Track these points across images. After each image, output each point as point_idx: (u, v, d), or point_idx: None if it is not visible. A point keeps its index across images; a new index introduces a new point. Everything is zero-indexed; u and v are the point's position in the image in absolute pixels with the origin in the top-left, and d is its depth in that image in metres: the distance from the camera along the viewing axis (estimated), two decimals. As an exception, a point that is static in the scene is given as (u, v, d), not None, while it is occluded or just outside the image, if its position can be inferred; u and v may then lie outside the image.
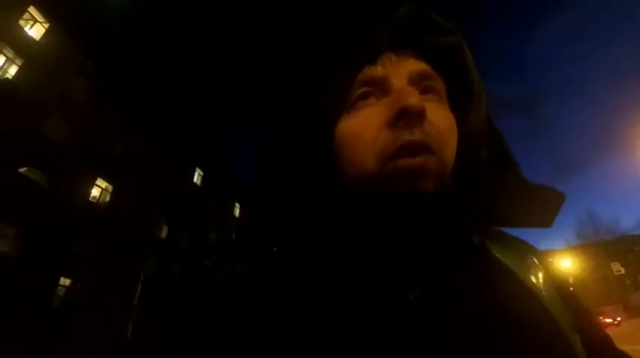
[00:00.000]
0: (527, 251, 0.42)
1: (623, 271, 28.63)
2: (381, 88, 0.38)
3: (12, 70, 12.03)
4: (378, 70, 0.38)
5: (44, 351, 10.81)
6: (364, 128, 0.36)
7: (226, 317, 0.37)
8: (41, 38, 13.12)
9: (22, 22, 12.57)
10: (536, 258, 0.41)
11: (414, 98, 0.34)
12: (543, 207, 0.40)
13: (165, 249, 18.24)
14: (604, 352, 0.38)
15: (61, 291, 12.50)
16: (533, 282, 0.37)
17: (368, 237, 0.35)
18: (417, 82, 0.38)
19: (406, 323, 0.31)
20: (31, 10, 12.90)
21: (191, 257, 20.01)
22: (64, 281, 12.68)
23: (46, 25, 13.31)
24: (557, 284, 0.40)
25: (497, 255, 0.39)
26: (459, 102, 0.41)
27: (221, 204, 24.21)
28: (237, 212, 26.96)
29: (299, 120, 0.41)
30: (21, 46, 12.22)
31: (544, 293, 0.36)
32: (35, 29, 13.14)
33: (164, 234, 18.67)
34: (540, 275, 0.39)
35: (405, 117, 0.34)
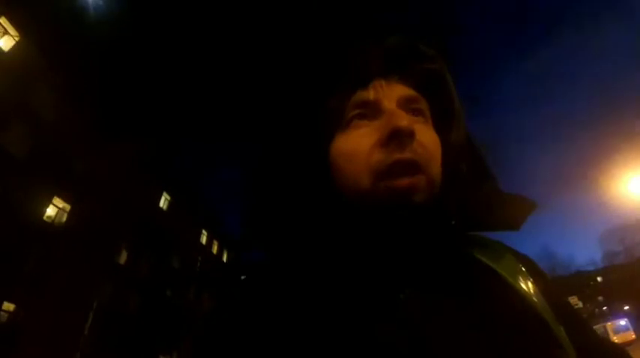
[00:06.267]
0: (505, 251, 0.45)
1: (580, 305, 29.72)
2: (372, 110, 0.41)
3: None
4: (370, 94, 0.41)
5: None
6: (358, 147, 0.40)
7: (233, 326, 0.38)
8: (10, 49, 12.73)
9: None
10: (515, 258, 0.45)
11: (404, 120, 0.38)
12: (514, 213, 0.43)
13: (124, 276, 17.11)
14: (588, 340, 0.40)
15: (3, 317, 11.32)
16: (513, 279, 0.40)
17: (363, 243, 0.38)
18: (406, 105, 0.42)
19: (397, 317, 0.33)
20: (2, 20, 12.58)
21: (151, 285, 18.83)
22: (8, 306, 11.51)
23: (17, 37, 12.97)
24: (537, 281, 0.42)
25: (479, 257, 0.42)
26: (442, 123, 0.46)
27: (187, 231, 23.30)
28: (204, 240, 26.00)
29: (296, 138, 0.44)
30: (-13, 55, 11.76)
31: (524, 287, 0.39)
32: (4, 40, 12.76)
33: (123, 260, 17.58)
34: (520, 273, 0.42)
35: (397, 138, 0.38)
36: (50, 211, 13.79)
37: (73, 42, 15.16)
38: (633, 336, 19.09)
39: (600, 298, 47.68)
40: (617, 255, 46.63)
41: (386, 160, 0.38)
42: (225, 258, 28.44)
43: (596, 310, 46.89)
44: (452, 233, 0.40)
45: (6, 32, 12.76)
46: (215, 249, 27.55)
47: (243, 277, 0.46)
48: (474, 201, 0.42)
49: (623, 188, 15.13)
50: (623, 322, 20.77)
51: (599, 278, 48.39)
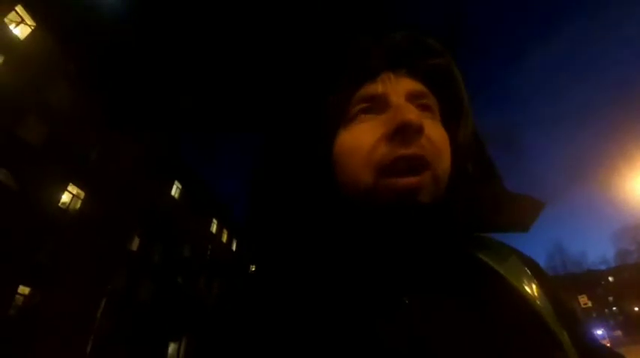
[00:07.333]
0: (510, 253, 0.44)
1: (590, 304, 29.36)
2: (379, 103, 0.40)
3: (-9, 67, 11.70)
4: (378, 87, 0.40)
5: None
6: (362, 141, 0.38)
7: (236, 326, 0.38)
8: (26, 38, 12.92)
9: (7, 21, 12.38)
10: (520, 260, 0.44)
11: (413, 114, 0.37)
12: (523, 213, 0.41)
13: (136, 262, 17.48)
14: (590, 347, 0.40)
15: (19, 300, 11.70)
16: (517, 282, 0.39)
17: (366, 245, 0.37)
18: (414, 99, 0.41)
19: (398, 317, 0.33)
20: (19, 9, 12.76)
21: (163, 272, 19.21)
22: (23, 290, 11.88)
23: (33, 26, 13.15)
24: (541, 284, 0.41)
25: (485, 259, 0.41)
26: (450, 120, 0.44)
27: (198, 220, 23.64)
28: (214, 228, 26.35)
29: (300, 131, 0.43)
30: (3, 44, 11.97)
31: (528, 290, 0.39)
32: (21, 29, 12.95)
33: (135, 246, 17.95)
34: (524, 275, 0.41)
35: (404, 132, 0.36)
36: (65, 198, 14.11)
37: (87, 31, 15.30)
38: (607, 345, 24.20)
39: (611, 298, 47.08)
40: (631, 253, 45.91)
41: (390, 155, 0.36)
42: (234, 247, 28.81)
43: (606, 310, 46.34)
44: (456, 234, 0.39)
45: (22, 21, 12.94)
46: (225, 238, 27.94)
47: (252, 268, 0.46)
48: (482, 202, 0.40)
49: (638, 186, 14.82)
50: (600, 331, 26.52)
51: (610, 278, 47.73)
